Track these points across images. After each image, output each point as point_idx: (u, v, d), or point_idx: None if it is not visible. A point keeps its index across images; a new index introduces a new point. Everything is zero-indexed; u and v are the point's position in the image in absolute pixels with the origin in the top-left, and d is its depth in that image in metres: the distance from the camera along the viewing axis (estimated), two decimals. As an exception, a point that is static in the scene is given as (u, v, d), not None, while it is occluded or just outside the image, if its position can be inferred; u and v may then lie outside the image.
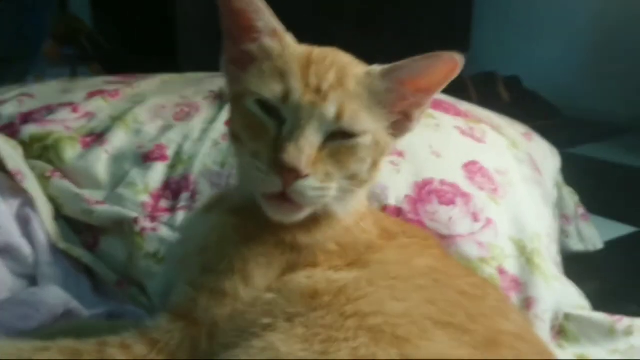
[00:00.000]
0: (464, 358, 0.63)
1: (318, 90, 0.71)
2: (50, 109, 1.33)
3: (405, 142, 1.19)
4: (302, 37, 0.81)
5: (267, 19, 0.76)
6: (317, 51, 0.77)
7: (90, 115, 1.32)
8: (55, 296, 0.98)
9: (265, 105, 0.73)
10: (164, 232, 1.12)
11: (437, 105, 1.38)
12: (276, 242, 0.77)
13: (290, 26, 0.80)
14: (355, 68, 0.76)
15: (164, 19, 2.52)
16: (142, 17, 2.75)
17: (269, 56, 0.76)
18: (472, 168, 1.18)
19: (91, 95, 1.40)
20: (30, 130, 1.25)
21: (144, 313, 1.03)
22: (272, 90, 0.72)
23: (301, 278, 0.75)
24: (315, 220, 0.77)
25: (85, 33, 3.67)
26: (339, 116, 0.71)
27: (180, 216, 1.14)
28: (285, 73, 0.73)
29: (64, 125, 1.27)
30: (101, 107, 1.35)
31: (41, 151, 1.22)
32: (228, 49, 0.80)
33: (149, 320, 0.74)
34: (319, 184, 0.70)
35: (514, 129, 1.51)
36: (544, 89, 3.08)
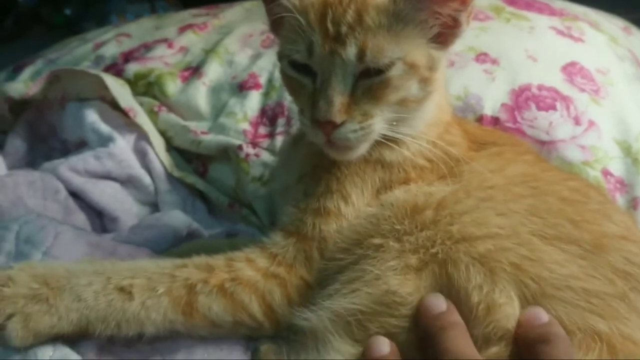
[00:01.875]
0: (574, 274, 0.64)
1: (337, 36, 0.72)
2: (147, 47, 1.40)
3: (498, 48, 1.17)
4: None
5: None
6: None
7: (184, 50, 1.37)
8: (178, 219, 1.07)
9: (297, 64, 0.76)
10: (266, 156, 1.19)
11: (530, 6, 1.32)
12: (364, 160, 0.80)
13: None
14: None
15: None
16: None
17: (292, 14, 0.76)
18: (571, 69, 1.14)
19: (182, 30, 1.45)
20: (133, 68, 1.32)
21: (255, 231, 1.11)
22: (297, 49, 0.75)
23: (399, 194, 0.78)
24: (396, 139, 0.79)
25: (157, -34, 3.69)
26: (361, 56, 0.71)
27: (279, 141, 1.20)
28: (306, 27, 0.74)
29: (163, 61, 1.34)
30: (193, 41, 1.40)
31: (146, 87, 1.30)
32: (267, 14, 0.82)
33: (265, 237, 0.81)
34: (357, 125, 0.73)
35: (613, 24, 1.42)
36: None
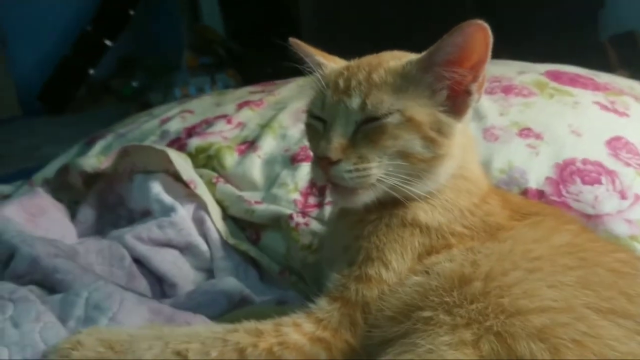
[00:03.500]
0: (635, 352, 0.62)
1: (346, 89, 0.84)
2: (208, 122, 1.51)
3: (542, 123, 1.21)
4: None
5: (313, 58, 0.93)
6: (357, 61, 0.90)
7: (241, 125, 1.48)
8: (232, 286, 1.13)
9: (314, 116, 0.90)
10: (315, 225, 1.24)
11: (574, 81, 1.35)
12: (400, 223, 0.85)
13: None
14: (392, 62, 0.85)
15: (290, 20, 2.65)
16: (269, 21, 2.92)
17: (319, 81, 0.90)
18: (616, 144, 1.15)
19: (240, 106, 1.56)
20: (194, 143, 1.43)
21: (304, 299, 1.15)
22: (315, 103, 0.89)
23: (444, 262, 0.81)
24: (426, 201, 0.85)
25: (219, 41, 3.97)
26: (363, 106, 0.82)
27: (327, 210, 1.24)
28: (325, 87, 0.87)
29: (222, 136, 1.44)
30: (250, 117, 1.50)
31: (206, 160, 1.40)
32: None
33: (312, 303, 0.85)
34: (351, 166, 0.81)
35: (661, 96, 1.42)
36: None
